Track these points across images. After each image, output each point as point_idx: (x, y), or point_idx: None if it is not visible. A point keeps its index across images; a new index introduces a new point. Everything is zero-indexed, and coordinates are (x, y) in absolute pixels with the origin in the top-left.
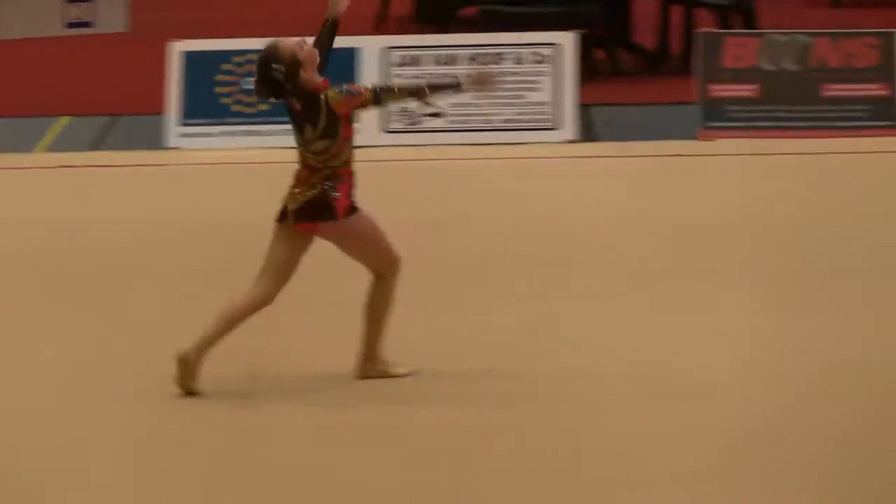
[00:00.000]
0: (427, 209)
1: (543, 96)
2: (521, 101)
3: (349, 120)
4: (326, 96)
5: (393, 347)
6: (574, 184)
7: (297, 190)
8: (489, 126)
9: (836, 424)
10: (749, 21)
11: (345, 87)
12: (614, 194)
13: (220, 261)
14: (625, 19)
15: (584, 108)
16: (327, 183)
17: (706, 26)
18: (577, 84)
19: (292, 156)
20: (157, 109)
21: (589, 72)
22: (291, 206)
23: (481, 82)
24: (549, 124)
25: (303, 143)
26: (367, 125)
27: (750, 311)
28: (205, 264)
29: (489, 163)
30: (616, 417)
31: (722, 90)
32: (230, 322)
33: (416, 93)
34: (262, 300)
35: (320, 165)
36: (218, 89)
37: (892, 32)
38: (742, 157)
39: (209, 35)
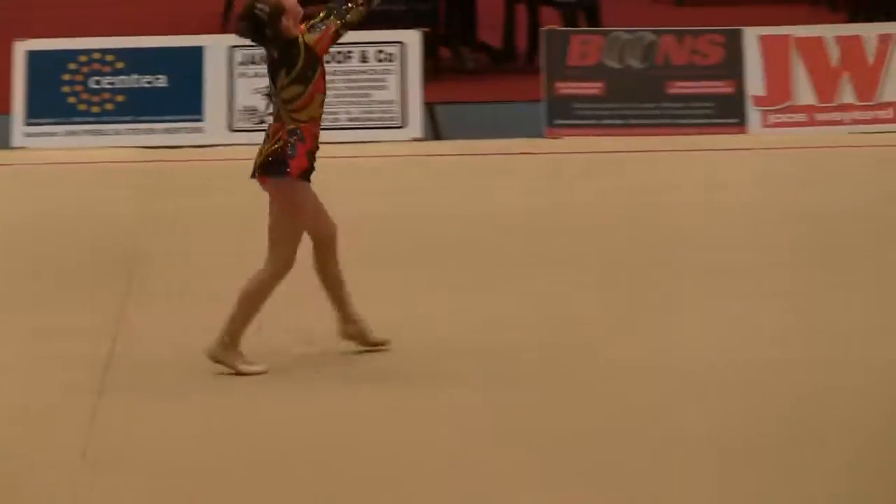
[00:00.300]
0: None
1: (389, 94)
2: (368, 99)
3: (324, 69)
4: (304, 39)
5: None
6: (421, 181)
7: (264, 146)
8: (336, 125)
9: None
10: (594, 19)
11: (316, 25)
12: (461, 191)
13: (70, 261)
14: (470, 17)
15: (431, 106)
16: (290, 139)
17: (551, 24)
18: (423, 82)
19: (139, 155)
20: (1, 109)
21: (435, 70)
22: (258, 160)
23: None
24: (395, 122)
25: (275, 92)
26: (213, 124)
27: (603, 302)
28: (54, 264)
29: (336, 161)
30: None
31: (568, 88)
32: (334, 284)
33: None
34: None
35: (288, 119)
36: (63, 89)
37: (737, 30)
38: (589, 154)
39: (55, 34)
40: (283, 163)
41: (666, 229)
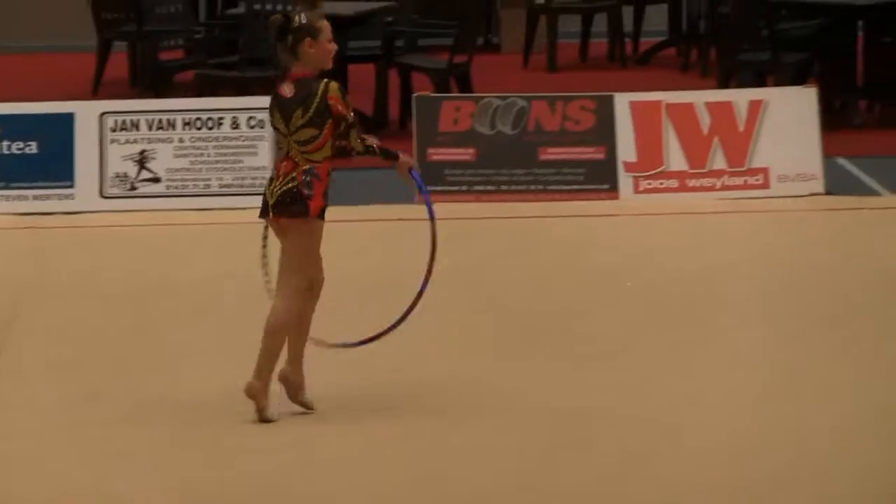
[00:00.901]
0: (148, 274)
1: (261, 161)
2: (240, 165)
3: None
4: (327, 85)
5: None
6: None
7: (276, 184)
8: (207, 191)
9: None
10: (465, 84)
11: (340, 86)
12: (339, 258)
13: None
14: (341, 83)
15: None
16: (305, 178)
17: (423, 90)
18: None
19: (11, 222)
20: None
21: None
22: (271, 200)
23: (407, 163)
24: None
25: (288, 132)
26: (84, 191)
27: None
28: None
29: (208, 228)
30: None
31: (439, 154)
32: (302, 328)
33: (370, 151)
34: (313, 290)
35: (302, 160)
36: None
37: (608, 95)
38: (460, 220)
39: None
40: (302, 203)
41: (538, 293)
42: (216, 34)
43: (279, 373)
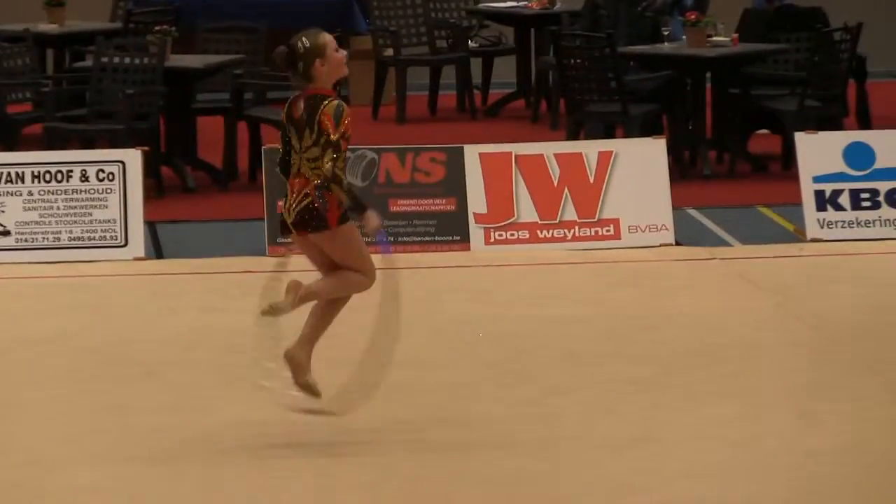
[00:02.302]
0: (6, 330)
1: (111, 213)
2: (89, 218)
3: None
4: (327, 104)
5: None
6: (144, 301)
7: (292, 202)
8: (57, 244)
9: None
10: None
11: (340, 106)
12: (186, 311)
13: None
14: (190, 136)
15: (153, 224)
16: (317, 192)
17: (272, 142)
18: (144, 201)
19: None
20: None
21: (156, 189)
22: (289, 220)
23: (373, 220)
24: (117, 241)
25: (300, 150)
26: None
27: None
28: None
29: (57, 281)
30: None
31: None
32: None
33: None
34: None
35: (313, 176)
36: None
37: (458, 147)
38: (312, 272)
39: None
40: (320, 217)
41: (394, 346)
42: (64, 87)
43: (286, 351)
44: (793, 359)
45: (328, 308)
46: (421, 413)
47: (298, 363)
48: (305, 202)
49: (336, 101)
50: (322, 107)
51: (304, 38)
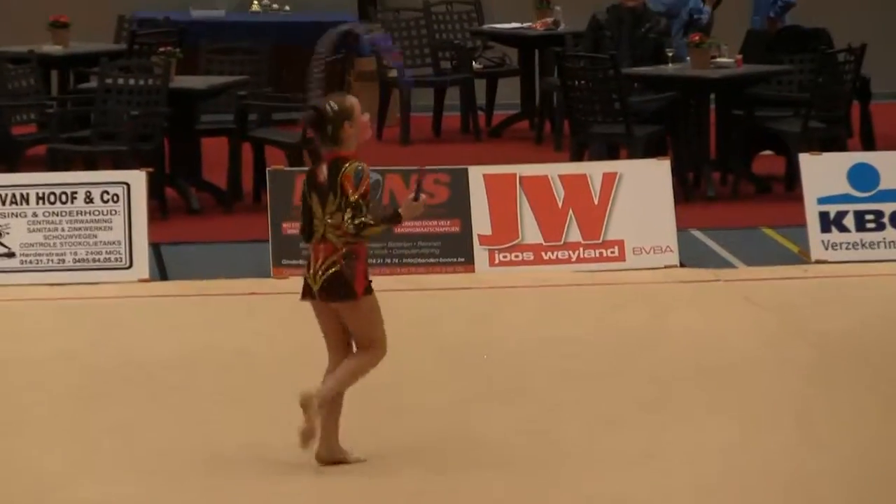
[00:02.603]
0: (10, 350)
1: (115, 235)
2: (94, 240)
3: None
4: (346, 167)
5: None
6: (148, 322)
7: (318, 268)
8: (62, 266)
9: None
10: (318, 158)
11: (360, 168)
12: (191, 332)
13: None
14: (194, 157)
15: (157, 246)
16: (345, 262)
17: (277, 163)
18: (149, 222)
19: None
20: None
21: (160, 210)
22: (315, 286)
23: (413, 210)
24: (122, 263)
25: (323, 216)
26: None
27: None
28: None
29: (61, 302)
30: None
31: (294, 227)
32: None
33: (361, 230)
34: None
35: (339, 243)
36: None
37: (462, 169)
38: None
39: None
40: (346, 286)
41: (392, 365)
42: (68, 108)
43: (317, 453)
44: (794, 378)
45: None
46: (423, 433)
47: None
48: (333, 270)
49: (356, 163)
50: (343, 170)
51: (331, 102)
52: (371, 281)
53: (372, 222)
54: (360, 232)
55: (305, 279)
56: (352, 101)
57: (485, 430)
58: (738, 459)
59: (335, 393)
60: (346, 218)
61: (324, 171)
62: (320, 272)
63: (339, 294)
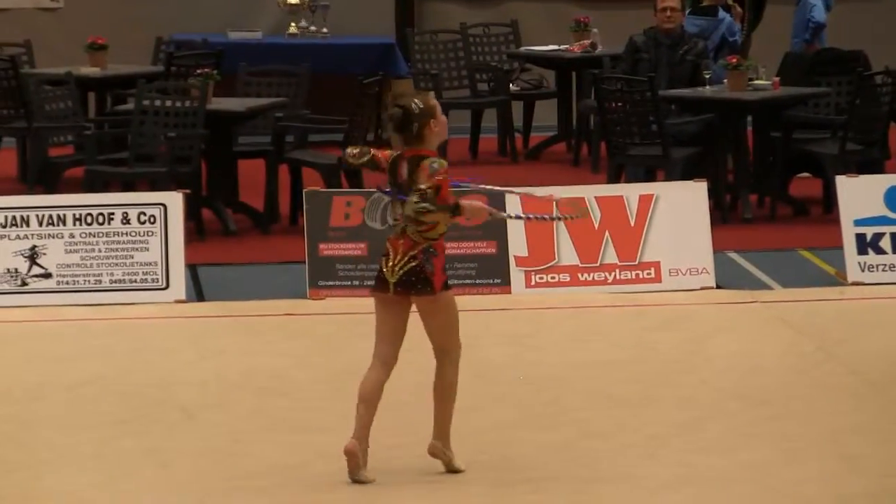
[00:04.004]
0: (46, 372)
1: (152, 256)
2: (130, 261)
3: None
4: (423, 162)
5: None
6: (185, 344)
7: (395, 262)
8: (98, 287)
9: None
10: (356, 180)
11: (438, 163)
12: (227, 354)
13: None
14: (231, 179)
15: (194, 267)
16: (424, 256)
17: (313, 185)
18: (186, 244)
19: None
20: None
21: (197, 231)
22: (391, 280)
23: (476, 212)
24: (158, 284)
25: (402, 212)
26: None
27: None
28: None
29: (98, 323)
30: None
31: (330, 249)
32: (373, 400)
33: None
34: (388, 366)
35: (420, 238)
36: None
37: (507, 190)
38: (353, 315)
39: None
40: (426, 281)
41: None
42: (105, 130)
43: (346, 446)
44: (833, 403)
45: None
46: (460, 455)
47: (356, 458)
48: (412, 265)
49: (432, 159)
50: (420, 164)
51: (416, 101)
52: (449, 278)
53: (432, 208)
54: (418, 215)
55: (381, 272)
56: (434, 101)
57: (520, 452)
58: (773, 483)
59: (448, 419)
60: (410, 200)
61: (404, 168)
62: (398, 266)
63: (418, 288)
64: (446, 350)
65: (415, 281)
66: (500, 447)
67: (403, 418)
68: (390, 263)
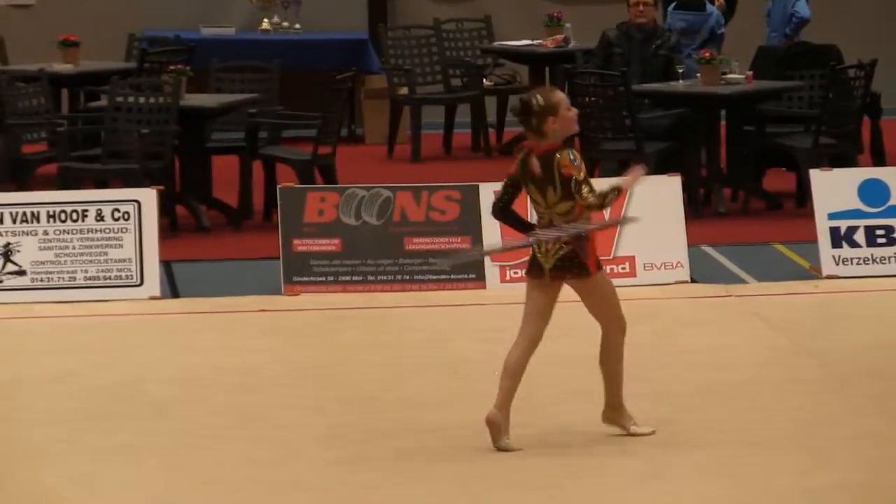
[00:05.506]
0: (19, 369)
1: (126, 253)
2: (105, 257)
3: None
4: (559, 158)
5: None
6: (158, 340)
7: (549, 248)
8: (73, 284)
9: None
10: (329, 176)
11: (572, 153)
12: (201, 350)
13: None
14: (205, 175)
15: (168, 264)
16: (578, 242)
17: (287, 181)
18: (159, 240)
19: None
20: None
21: (171, 228)
22: (547, 265)
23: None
24: (132, 281)
25: (547, 206)
26: None
27: None
28: None
29: (72, 320)
30: None
31: (304, 245)
32: (517, 373)
33: (606, 201)
34: (534, 342)
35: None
36: None
37: (473, 185)
38: (327, 311)
39: None
40: (581, 264)
41: (407, 385)
42: (78, 127)
43: (487, 416)
44: (803, 395)
45: (515, 373)
46: (429, 450)
47: (499, 427)
48: (566, 249)
49: (565, 150)
50: (556, 161)
51: (538, 96)
52: (599, 258)
53: (611, 194)
54: (603, 202)
55: (534, 258)
56: (558, 96)
57: (491, 447)
58: (747, 477)
59: (621, 389)
60: (584, 193)
61: (536, 163)
62: (552, 252)
63: (574, 271)
64: (609, 319)
65: (570, 265)
66: (468, 441)
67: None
68: (543, 249)
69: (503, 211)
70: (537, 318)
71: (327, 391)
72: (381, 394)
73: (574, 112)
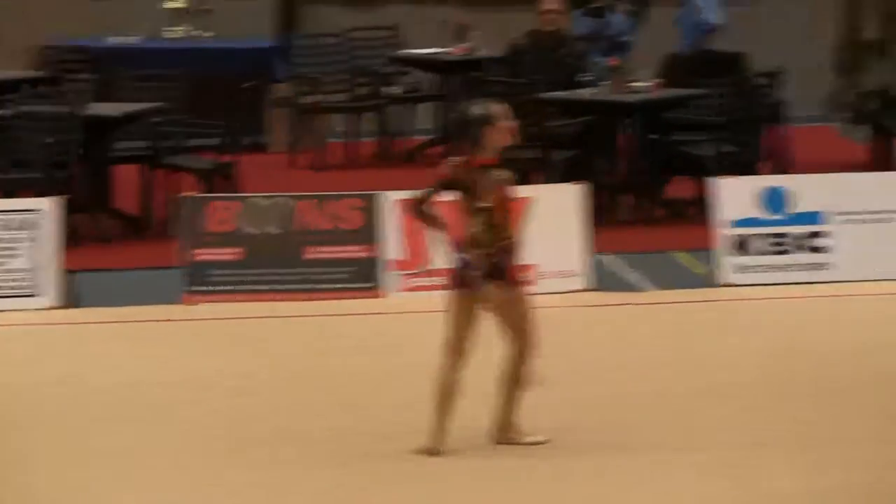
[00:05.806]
0: None
1: (24, 262)
2: (4, 267)
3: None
4: (489, 177)
5: None
6: (60, 350)
7: (475, 255)
8: None
9: None
10: (231, 184)
11: (496, 177)
12: (105, 359)
13: None
14: (106, 184)
15: (67, 273)
16: (502, 253)
17: (190, 190)
18: (60, 250)
19: None
20: None
21: (72, 237)
22: (477, 274)
23: None
24: (30, 291)
25: (470, 217)
26: None
27: None
28: None
29: None
30: None
31: (205, 254)
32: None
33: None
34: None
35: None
36: None
37: (374, 194)
38: (227, 320)
39: None
40: (502, 272)
41: (309, 393)
42: None
43: (497, 442)
44: (699, 404)
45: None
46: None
47: (513, 440)
48: (490, 261)
49: (493, 171)
50: (486, 179)
51: (475, 108)
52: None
53: (486, 243)
54: (471, 244)
55: (464, 271)
56: (497, 108)
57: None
58: (745, 478)
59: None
60: (474, 222)
61: (469, 174)
62: (476, 261)
63: (494, 277)
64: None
65: (493, 273)
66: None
67: None
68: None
69: (418, 208)
70: (510, 328)
71: (224, 403)
72: (290, 400)
73: (513, 124)
